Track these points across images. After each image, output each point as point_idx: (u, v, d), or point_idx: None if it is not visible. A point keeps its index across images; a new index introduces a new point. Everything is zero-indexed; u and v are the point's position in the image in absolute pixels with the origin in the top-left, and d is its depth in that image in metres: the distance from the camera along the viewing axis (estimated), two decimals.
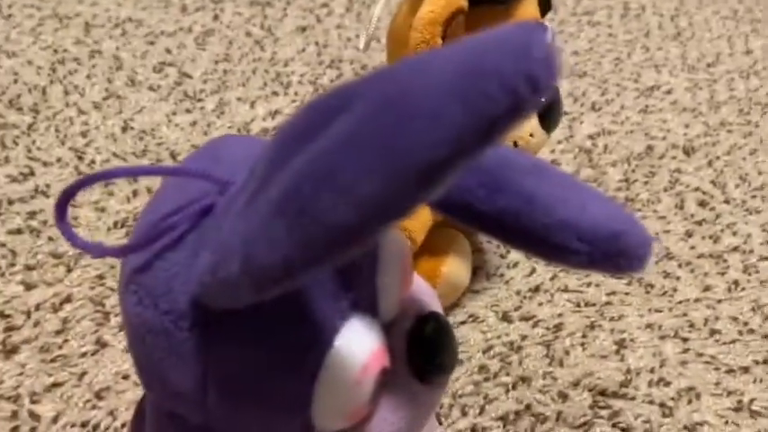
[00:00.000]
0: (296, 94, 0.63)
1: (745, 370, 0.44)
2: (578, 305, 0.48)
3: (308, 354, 0.20)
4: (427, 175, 0.13)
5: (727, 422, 0.42)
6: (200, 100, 0.62)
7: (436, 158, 0.13)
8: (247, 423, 0.21)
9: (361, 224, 0.14)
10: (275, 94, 0.63)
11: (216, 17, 0.72)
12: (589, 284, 0.49)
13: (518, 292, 0.48)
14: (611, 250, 0.20)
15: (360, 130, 0.14)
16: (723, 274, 0.50)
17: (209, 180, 0.20)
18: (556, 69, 0.13)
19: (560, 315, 0.47)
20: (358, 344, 0.20)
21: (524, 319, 0.47)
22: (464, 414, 0.41)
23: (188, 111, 0.60)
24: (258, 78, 0.64)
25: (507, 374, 0.43)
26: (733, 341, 0.46)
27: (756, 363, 0.45)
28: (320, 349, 0.20)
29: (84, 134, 0.57)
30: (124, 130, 0.58)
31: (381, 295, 0.22)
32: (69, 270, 0.47)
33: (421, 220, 0.43)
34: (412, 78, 0.14)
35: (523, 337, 0.45)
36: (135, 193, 0.53)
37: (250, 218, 0.16)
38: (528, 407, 0.42)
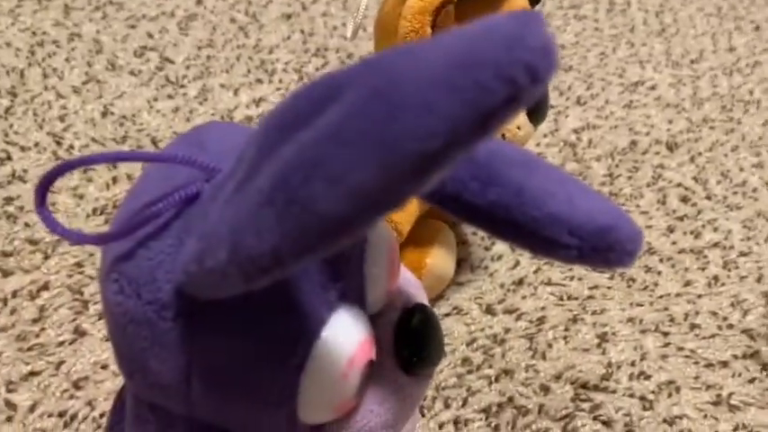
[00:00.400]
0: (280, 81, 0.63)
1: (725, 364, 0.45)
2: (561, 298, 0.48)
3: (294, 345, 0.19)
4: (420, 166, 0.13)
5: (706, 416, 0.42)
6: (182, 86, 0.61)
7: (429, 150, 0.13)
8: (232, 415, 0.21)
9: (352, 214, 0.13)
10: (259, 81, 0.62)
11: (199, 2, 0.70)
12: (572, 278, 0.49)
13: (502, 285, 0.48)
14: (600, 245, 0.20)
15: (350, 121, 0.14)
16: (703, 269, 0.51)
17: (194, 167, 0.20)
18: (554, 58, 0.12)
19: (543, 308, 0.47)
20: (345, 336, 0.20)
21: (508, 311, 0.47)
22: (447, 406, 0.41)
23: (170, 97, 0.59)
24: (242, 65, 0.64)
25: (490, 367, 0.43)
26: (712, 336, 0.46)
27: (735, 357, 0.45)
28: (307, 340, 0.20)
29: (62, 119, 0.56)
30: (104, 115, 0.57)
31: (369, 286, 0.22)
32: (47, 257, 0.46)
33: (407, 211, 0.42)
34: (403, 68, 0.14)
35: (507, 330, 0.45)
36: (114, 180, 0.52)
37: (238, 206, 0.16)
38: (510, 399, 0.42)
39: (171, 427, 0.22)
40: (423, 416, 0.41)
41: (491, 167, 0.20)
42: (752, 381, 0.44)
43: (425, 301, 0.25)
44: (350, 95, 0.14)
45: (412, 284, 0.25)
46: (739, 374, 0.44)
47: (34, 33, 0.64)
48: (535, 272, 0.49)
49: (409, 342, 0.23)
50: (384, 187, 0.13)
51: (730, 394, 0.43)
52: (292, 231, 0.14)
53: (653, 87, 0.68)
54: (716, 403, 0.43)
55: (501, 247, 0.51)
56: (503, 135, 0.42)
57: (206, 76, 0.62)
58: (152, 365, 0.20)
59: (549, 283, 0.49)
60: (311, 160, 0.14)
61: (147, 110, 0.58)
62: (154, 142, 0.55)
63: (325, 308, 0.20)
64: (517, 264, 0.50)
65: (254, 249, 0.15)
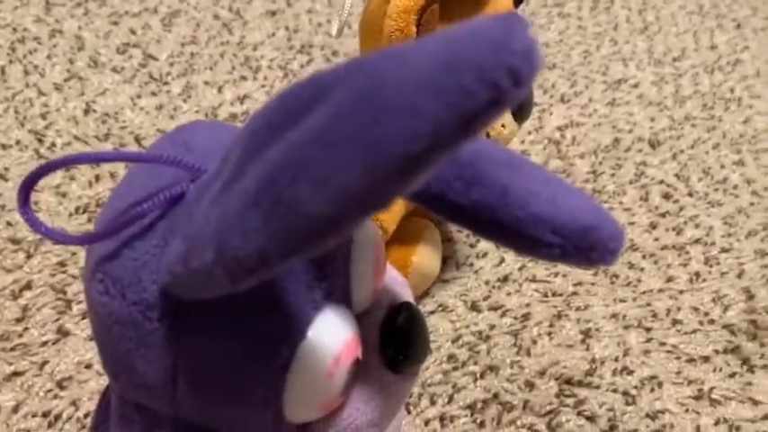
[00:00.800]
0: (265, 78, 0.63)
1: (706, 359, 0.46)
2: (545, 295, 0.48)
3: (280, 345, 0.19)
4: (404, 168, 0.13)
5: (687, 410, 0.43)
6: (165, 83, 0.60)
7: (413, 152, 0.13)
8: (217, 414, 0.21)
9: (337, 215, 0.13)
10: (244, 78, 0.62)
11: None
12: (556, 275, 0.50)
13: (487, 282, 0.49)
14: (583, 243, 0.20)
15: (336, 122, 0.14)
16: (685, 265, 0.52)
17: (179, 167, 0.20)
18: (537, 61, 0.13)
19: (528, 305, 0.48)
20: (331, 335, 0.20)
21: (493, 308, 0.47)
22: (433, 403, 0.42)
23: (153, 94, 0.59)
24: (226, 62, 0.63)
25: (475, 363, 0.44)
26: (694, 331, 0.47)
27: (716, 352, 0.46)
28: (293, 340, 0.20)
29: (44, 116, 0.55)
30: (86, 112, 0.56)
31: (355, 285, 0.22)
32: (29, 256, 0.46)
33: (392, 210, 0.42)
34: (388, 71, 0.14)
35: (492, 327, 0.46)
36: (97, 178, 0.51)
37: (224, 207, 0.16)
38: (495, 395, 0.42)
39: (157, 427, 0.21)
40: (408, 413, 0.41)
41: (475, 167, 0.20)
42: (732, 375, 0.45)
43: (411, 300, 0.25)
44: (336, 97, 0.14)
45: (398, 283, 0.25)
46: (720, 369, 0.45)
47: (15, 30, 0.63)
48: (520, 269, 0.50)
49: (395, 340, 0.23)
50: (369, 188, 0.13)
51: (711, 389, 0.44)
52: (278, 232, 0.14)
53: (636, 85, 0.68)
54: (697, 398, 0.43)
55: (486, 244, 0.51)
56: (487, 134, 0.42)
57: (190, 73, 0.62)
58: (137, 366, 0.20)
59: (533, 280, 0.49)
60: (297, 162, 0.14)
61: (131, 107, 0.57)
62: (137, 140, 0.55)
63: (310, 307, 0.20)
64: (502, 261, 0.50)
65: (239, 250, 0.15)
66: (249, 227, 0.15)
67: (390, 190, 0.13)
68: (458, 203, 0.20)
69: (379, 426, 0.23)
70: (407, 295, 0.25)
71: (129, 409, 0.22)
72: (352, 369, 0.21)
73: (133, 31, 0.65)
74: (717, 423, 0.42)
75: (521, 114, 0.43)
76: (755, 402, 0.44)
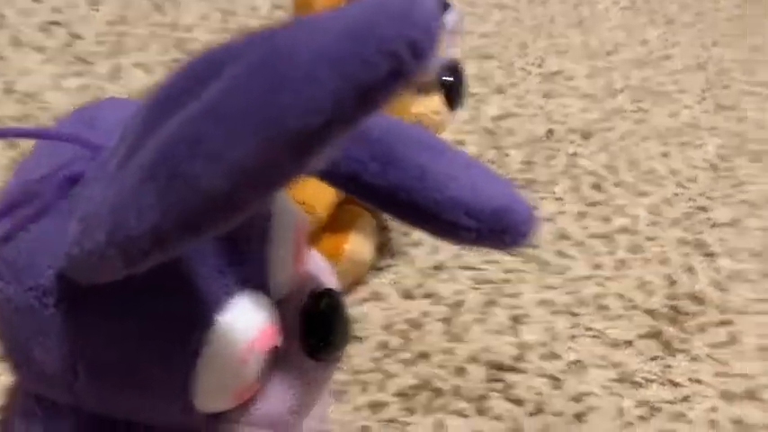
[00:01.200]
0: None
1: (629, 343, 0.47)
2: (478, 283, 0.49)
3: (188, 331, 0.19)
4: (301, 142, 0.13)
5: (611, 393, 0.44)
6: (91, 63, 0.58)
7: (310, 126, 0.12)
8: (121, 405, 0.20)
9: (232, 192, 0.13)
10: (176, 61, 0.60)
11: None
12: (489, 262, 0.50)
13: (421, 270, 0.49)
14: (496, 227, 0.20)
15: (231, 95, 0.13)
16: (612, 253, 0.53)
17: (80, 144, 0.19)
18: (437, 35, 0.12)
19: (461, 292, 0.48)
20: (244, 321, 0.20)
21: (426, 296, 0.47)
22: (364, 390, 0.41)
23: (78, 74, 0.56)
24: (158, 44, 0.61)
25: (407, 351, 0.44)
26: (619, 316, 0.48)
27: (639, 336, 0.47)
28: (201, 326, 0.19)
29: None
30: (6, 92, 0.53)
31: (272, 270, 0.22)
32: None
33: (325, 196, 0.42)
34: (290, 42, 0.13)
35: (425, 314, 0.46)
36: (15, 162, 0.49)
37: (121, 184, 0.15)
38: (427, 382, 0.42)
39: (58, 419, 0.20)
40: (336, 400, 0.41)
41: (390, 147, 0.20)
42: (654, 359, 0.46)
43: (335, 286, 0.25)
44: (234, 69, 0.14)
45: (321, 269, 0.25)
46: (642, 353, 0.46)
47: None
48: (454, 257, 0.50)
49: (316, 327, 0.22)
50: (264, 165, 0.13)
51: (634, 371, 0.45)
52: (173, 208, 0.14)
53: (570, 78, 0.70)
54: (620, 380, 0.45)
55: (421, 233, 0.51)
56: (420, 120, 0.42)
57: (117, 54, 0.59)
58: (36, 355, 0.19)
59: (467, 268, 0.49)
60: (192, 136, 0.13)
61: (52, 88, 0.55)
62: None
63: (222, 292, 0.19)
64: (436, 249, 0.50)
65: (134, 230, 0.14)
66: (144, 204, 0.14)
67: (287, 166, 0.13)
68: (374, 185, 0.20)
69: (298, 413, 0.23)
70: (331, 282, 0.25)
71: (31, 402, 0.21)
72: (270, 356, 0.21)
73: (57, 10, 0.62)
74: (638, 405, 0.44)
75: (454, 102, 0.43)
76: (675, 384, 0.45)
